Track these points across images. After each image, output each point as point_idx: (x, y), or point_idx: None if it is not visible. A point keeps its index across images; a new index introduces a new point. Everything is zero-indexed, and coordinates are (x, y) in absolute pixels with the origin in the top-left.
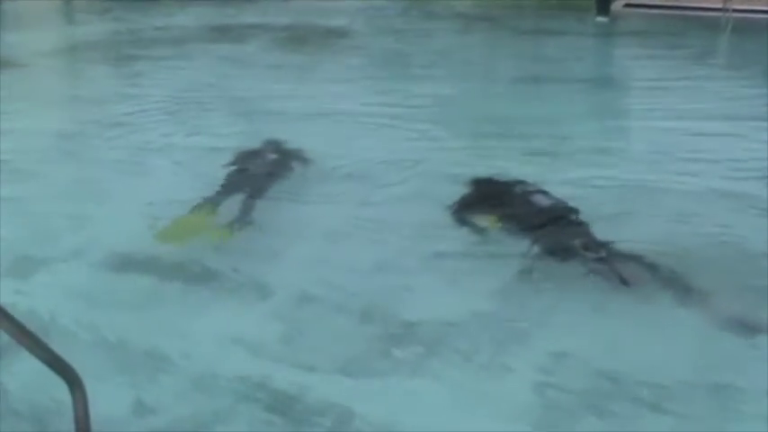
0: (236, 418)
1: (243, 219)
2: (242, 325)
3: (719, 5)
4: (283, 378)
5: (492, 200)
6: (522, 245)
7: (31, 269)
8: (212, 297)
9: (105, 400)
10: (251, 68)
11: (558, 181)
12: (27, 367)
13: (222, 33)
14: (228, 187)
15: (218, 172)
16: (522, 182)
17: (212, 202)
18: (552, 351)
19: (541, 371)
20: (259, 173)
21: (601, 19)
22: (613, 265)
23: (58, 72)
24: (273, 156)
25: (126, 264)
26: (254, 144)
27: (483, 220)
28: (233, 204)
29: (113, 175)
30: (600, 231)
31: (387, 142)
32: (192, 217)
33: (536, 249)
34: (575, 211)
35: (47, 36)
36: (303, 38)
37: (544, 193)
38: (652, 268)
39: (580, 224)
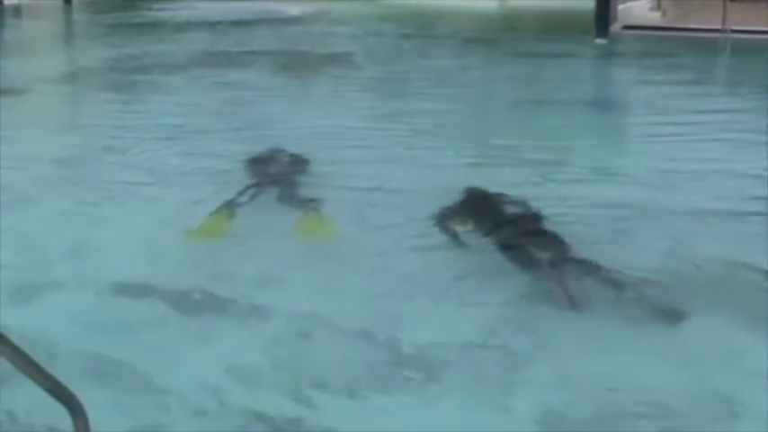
0: None
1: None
2: (244, 350)
3: (718, 27)
4: (285, 403)
5: (471, 208)
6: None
7: (31, 296)
8: (214, 322)
9: (106, 427)
10: (249, 94)
11: (556, 202)
12: (29, 394)
13: (219, 59)
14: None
15: (221, 194)
16: (502, 194)
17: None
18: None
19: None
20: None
21: (600, 41)
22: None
23: (57, 98)
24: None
25: (128, 290)
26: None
27: (458, 225)
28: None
29: (113, 200)
30: (596, 252)
31: (388, 165)
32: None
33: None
34: (541, 218)
35: (46, 62)
36: (302, 63)
37: (519, 203)
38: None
39: (544, 232)
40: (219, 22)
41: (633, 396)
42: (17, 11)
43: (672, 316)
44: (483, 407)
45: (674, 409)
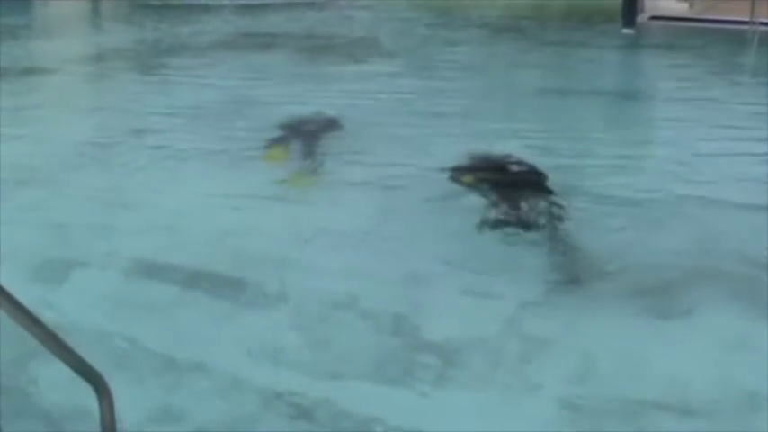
0: (261, 424)
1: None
2: (266, 332)
3: (746, 18)
4: (307, 385)
5: (478, 166)
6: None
7: (57, 275)
8: (237, 304)
9: (132, 406)
10: (276, 77)
11: (581, 191)
12: (55, 372)
13: (246, 42)
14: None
15: (251, 177)
16: (507, 155)
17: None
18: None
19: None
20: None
21: (626, 31)
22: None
23: (84, 79)
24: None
25: (152, 271)
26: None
27: (466, 178)
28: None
29: (138, 181)
30: (619, 241)
31: (409, 152)
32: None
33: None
34: (542, 176)
35: (74, 43)
36: (328, 47)
37: (521, 163)
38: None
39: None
40: (246, 5)
41: None
42: None
43: None
44: None
45: None
